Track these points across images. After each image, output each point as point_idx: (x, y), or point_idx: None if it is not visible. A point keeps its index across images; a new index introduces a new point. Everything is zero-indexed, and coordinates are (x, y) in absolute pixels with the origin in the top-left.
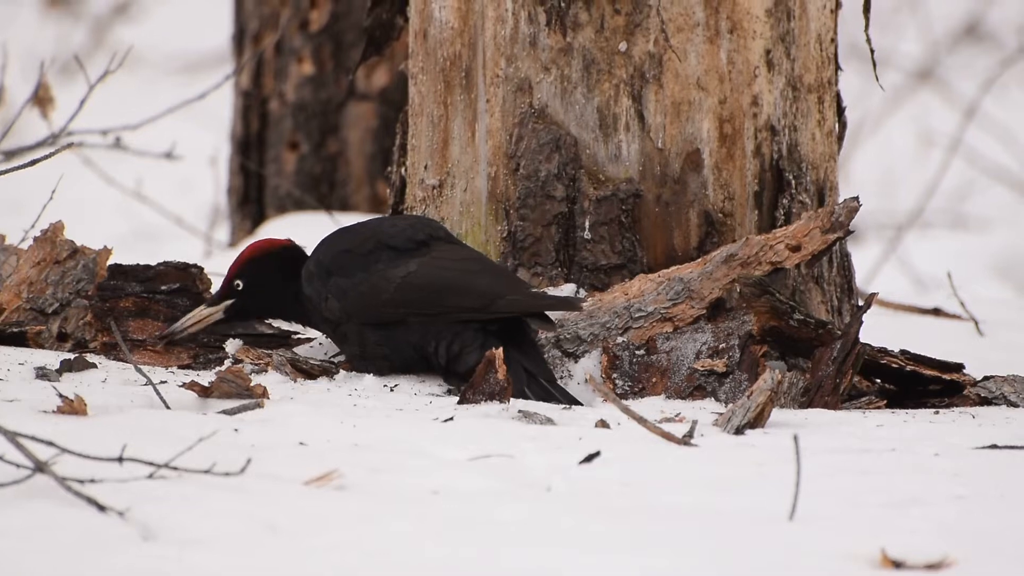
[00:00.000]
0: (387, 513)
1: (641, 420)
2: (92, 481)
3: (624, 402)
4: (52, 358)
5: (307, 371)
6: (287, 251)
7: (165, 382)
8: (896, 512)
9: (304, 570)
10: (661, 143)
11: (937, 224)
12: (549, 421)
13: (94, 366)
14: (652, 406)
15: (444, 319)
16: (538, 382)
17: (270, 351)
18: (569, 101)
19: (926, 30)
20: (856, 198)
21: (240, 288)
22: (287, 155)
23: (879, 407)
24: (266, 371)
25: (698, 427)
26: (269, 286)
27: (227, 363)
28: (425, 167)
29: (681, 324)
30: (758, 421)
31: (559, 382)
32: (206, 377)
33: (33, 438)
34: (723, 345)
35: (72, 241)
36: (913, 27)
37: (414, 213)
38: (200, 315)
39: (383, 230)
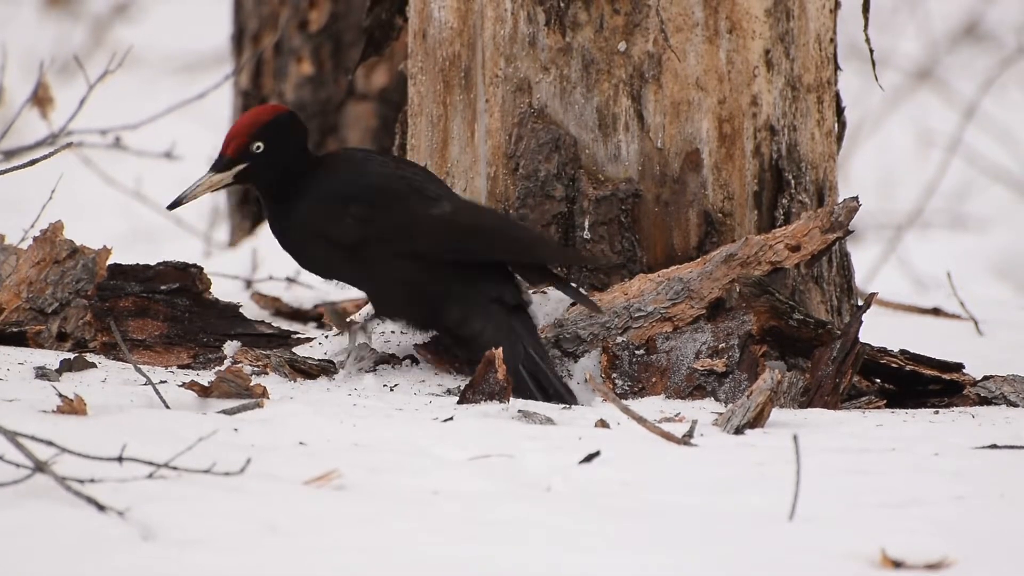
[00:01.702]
0: (387, 513)
1: (641, 420)
2: (92, 481)
3: (624, 402)
4: (52, 358)
5: (306, 371)
6: (294, 118)
7: (165, 382)
8: (896, 512)
9: (304, 570)
10: (660, 143)
11: (936, 224)
12: (549, 421)
13: (94, 366)
14: (652, 406)
15: (476, 266)
16: (531, 358)
17: (268, 352)
18: (568, 101)
19: (925, 30)
20: (856, 198)
21: (260, 151)
22: None
23: (879, 407)
24: (266, 373)
25: (698, 427)
26: (287, 154)
27: (226, 363)
28: (425, 167)
29: (681, 324)
30: (758, 421)
31: None
32: (206, 377)
33: (33, 438)
34: (723, 345)
35: (71, 241)
36: (912, 27)
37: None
38: (211, 182)
39: (406, 174)
